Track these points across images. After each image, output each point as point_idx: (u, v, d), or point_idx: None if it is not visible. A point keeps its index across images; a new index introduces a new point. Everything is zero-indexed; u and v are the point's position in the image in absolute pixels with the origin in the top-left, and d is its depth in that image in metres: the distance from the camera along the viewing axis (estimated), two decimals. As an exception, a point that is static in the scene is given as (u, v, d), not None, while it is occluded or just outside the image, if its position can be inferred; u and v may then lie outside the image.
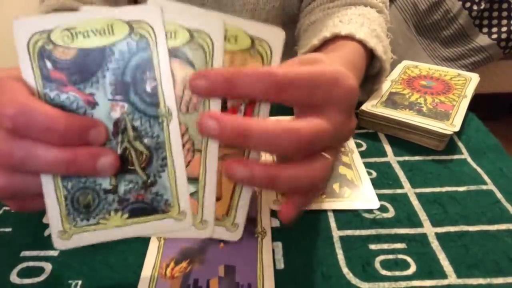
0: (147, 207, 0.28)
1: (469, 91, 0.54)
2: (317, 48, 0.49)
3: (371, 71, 0.52)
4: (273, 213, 0.39)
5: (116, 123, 0.26)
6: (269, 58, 0.26)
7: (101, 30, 0.25)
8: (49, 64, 0.25)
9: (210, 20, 0.25)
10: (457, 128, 0.46)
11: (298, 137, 0.25)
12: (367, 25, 0.50)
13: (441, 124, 0.47)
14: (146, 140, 0.27)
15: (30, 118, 0.24)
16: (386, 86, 0.55)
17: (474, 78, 0.57)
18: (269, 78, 0.24)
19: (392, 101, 0.52)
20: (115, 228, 0.28)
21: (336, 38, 0.48)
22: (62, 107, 0.26)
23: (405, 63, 0.62)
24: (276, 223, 0.38)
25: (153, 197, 0.28)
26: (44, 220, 0.38)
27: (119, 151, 0.27)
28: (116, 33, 0.25)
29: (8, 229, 0.38)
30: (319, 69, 0.27)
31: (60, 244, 0.28)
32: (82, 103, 0.26)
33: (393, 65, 0.61)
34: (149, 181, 0.27)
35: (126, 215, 0.28)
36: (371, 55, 0.49)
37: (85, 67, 0.26)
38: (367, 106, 0.50)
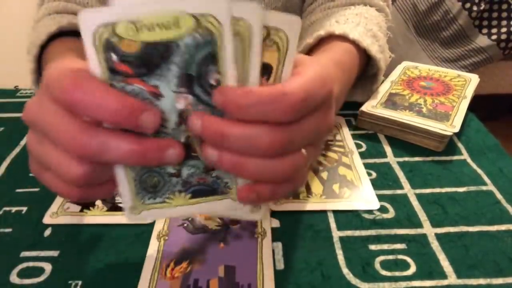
0: (208, 189, 0.30)
1: (469, 92, 0.54)
2: (312, 47, 0.50)
3: (370, 71, 0.52)
4: (273, 214, 0.39)
5: (181, 113, 0.27)
6: (285, 47, 0.26)
7: (166, 24, 0.25)
8: (114, 57, 0.26)
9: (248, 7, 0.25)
10: (457, 129, 0.46)
11: (274, 137, 0.26)
12: (363, 24, 0.51)
13: (441, 125, 0.47)
14: None
15: (87, 92, 0.25)
16: (385, 87, 0.55)
17: (473, 79, 0.57)
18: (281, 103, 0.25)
19: (392, 102, 0.52)
20: (179, 207, 0.30)
21: (330, 38, 0.48)
22: None
23: (404, 64, 0.62)
24: (276, 223, 0.38)
25: (214, 180, 0.30)
26: (44, 221, 0.38)
27: (182, 139, 0.28)
28: (182, 27, 0.25)
29: (8, 230, 0.38)
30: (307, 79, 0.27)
31: (130, 218, 0.30)
32: (147, 94, 0.27)
33: (393, 66, 0.61)
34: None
35: (189, 196, 0.30)
36: (367, 55, 0.49)
37: (150, 60, 0.26)
38: (367, 107, 0.51)
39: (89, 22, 0.25)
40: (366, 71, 0.53)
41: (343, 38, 0.48)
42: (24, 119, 0.28)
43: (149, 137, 0.27)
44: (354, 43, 0.48)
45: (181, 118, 0.27)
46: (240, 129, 0.26)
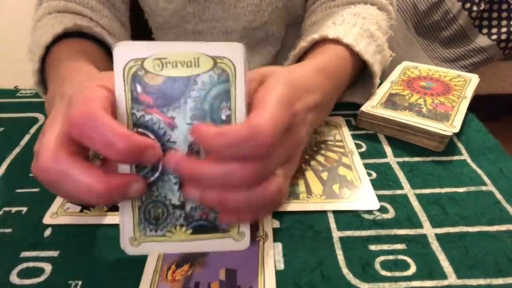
0: (209, 225, 0.32)
1: (469, 92, 0.54)
2: (308, 50, 0.51)
3: (369, 73, 0.52)
4: (273, 214, 0.39)
5: (191, 145, 0.30)
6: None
7: (188, 62, 0.29)
8: (139, 88, 0.29)
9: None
10: (457, 129, 0.46)
11: (248, 170, 0.27)
12: (360, 25, 0.51)
13: (441, 125, 0.47)
14: None
15: (96, 130, 0.26)
16: (385, 87, 0.55)
17: (473, 79, 0.57)
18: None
19: (391, 102, 0.52)
20: (178, 242, 0.32)
21: (325, 40, 0.49)
22: (146, 126, 0.29)
23: (404, 64, 0.62)
24: (276, 224, 0.38)
25: (216, 216, 0.32)
26: (44, 221, 0.38)
27: None
28: (201, 66, 0.29)
29: (8, 230, 0.38)
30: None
31: (130, 249, 0.32)
32: (163, 124, 0.29)
33: (393, 66, 0.61)
34: None
35: (190, 231, 0.32)
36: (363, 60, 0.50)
37: (170, 93, 0.29)
38: (366, 107, 0.51)
39: (124, 55, 0.28)
40: (365, 73, 0.53)
41: (337, 41, 0.48)
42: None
43: (113, 174, 0.29)
44: (348, 46, 0.48)
45: (191, 149, 0.30)
46: (213, 168, 0.27)
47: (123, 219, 0.31)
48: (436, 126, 0.46)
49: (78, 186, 0.28)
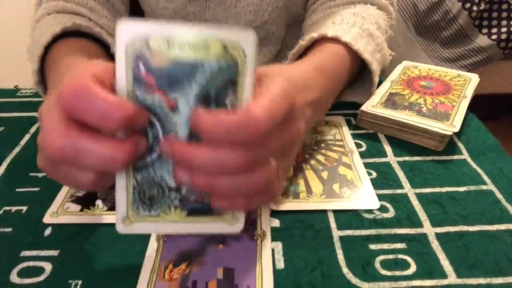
0: (204, 208, 0.31)
1: (469, 92, 0.54)
2: (307, 49, 0.51)
3: (368, 72, 0.52)
4: (273, 213, 0.39)
5: (191, 130, 0.28)
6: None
7: (196, 45, 0.27)
8: (142, 67, 0.27)
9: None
10: (457, 129, 0.46)
11: (242, 157, 0.27)
12: (359, 24, 0.51)
13: (441, 125, 0.47)
14: None
15: (88, 101, 0.25)
16: (385, 86, 0.55)
17: (473, 79, 0.57)
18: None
19: (391, 101, 0.52)
20: (172, 223, 0.31)
21: (324, 39, 0.49)
22: (146, 107, 0.28)
23: (405, 63, 0.62)
24: (275, 223, 0.38)
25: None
26: (45, 220, 0.38)
27: None
28: (210, 50, 0.27)
29: (8, 229, 0.38)
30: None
31: (122, 228, 0.31)
32: (165, 106, 0.28)
33: (393, 66, 0.61)
34: None
35: (184, 213, 0.31)
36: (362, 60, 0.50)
37: (175, 76, 0.27)
38: (367, 107, 0.51)
39: (126, 32, 0.27)
40: (364, 72, 0.53)
41: (336, 40, 0.48)
42: (38, 116, 0.30)
43: (122, 140, 0.27)
44: (346, 45, 0.48)
45: (192, 134, 0.28)
46: (207, 152, 0.27)
47: (118, 198, 0.30)
48: (436, 125, 0.46)
49: (98, 155, 0.26)
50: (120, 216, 0.30)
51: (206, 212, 0.31)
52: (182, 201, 0.30)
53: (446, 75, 0.58)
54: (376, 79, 0.52)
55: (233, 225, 0.32)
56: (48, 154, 0.28)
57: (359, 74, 0.54)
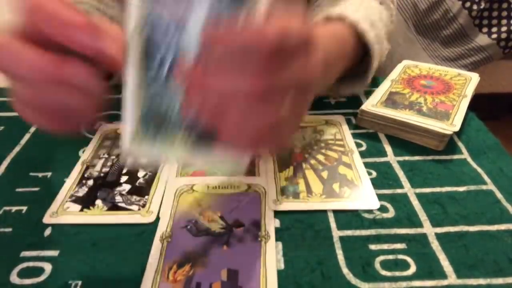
0: (209, 137, 0.29)
1: (469, 91, 0.54)
2: None
3: (366, 64, 0.52)
4: (274, 214, 0.39)
5: (201, 50, 0.26)
6: None
7: None
8: None
9: None
10: (457, 128, 0.46)
11: (254, 84, 0.25)
12: (363, 11, 0.50)
13: (441, 124, 0.47)
14: None
15: (47, 14, 0.25)
16: (386, 85, 0.55)
17: (474, 78, 0.57)
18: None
19: (392, 101, 0.52)
20: (177, 150, 0.29)
21: (329, 20, 0.48)
22: (153, 24, 0.26)
23: (405, 62, 0.62)
24: (276, 223, 0.38)
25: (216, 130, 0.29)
26: (44, 220, 0.38)
27: None
28: None
29: (8, 229, 0.38)
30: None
31: (128, 147, 0.29)
32: (174, 24, 0.26)
33: (393, 65, 0.61)
34: None
35: (190, 141, 0.29)
36: (363, 44, 0.49)
37: None
38: (367, 106, 0.50)
39: None
40: (363, 63, 0.53)
41: (341, 21, 0.47)
42: None
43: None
44: (351, 28, 0.47)
45: (201, 54, 0.26)
46: (217, 76, 0.25)
47: (126, 121, 0.29)
48: (436, 124, 0.46)
49: (21, 60, 0.25)
50: (127, 139, 0.29)
51: (211, 140, 0.29)
52: (188, 129, 0.29)
53: (447, 74, 0.58)
54: (376, 64, 0.51)
55: (236, 163, 0.30)
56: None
57: (357, 65, 0.54)
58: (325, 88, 0.50)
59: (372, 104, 0.51)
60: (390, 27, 0.57)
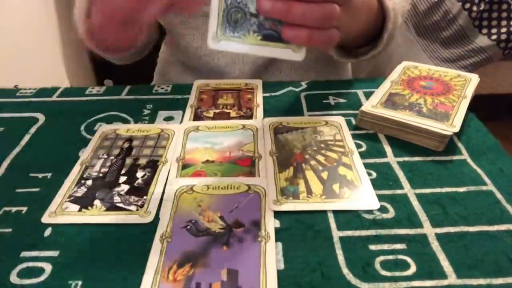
0: (276, 35, 0.37)
1: (469, 92, 0.54)
2: None
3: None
4: (274, 214, 0.39)
5: None
6: None
7: None
8: None
9: None
10: (457, 129, 0.46)
11: None
12: None
13: (441, 125, 0.47)
14: None
15: None
16: (386, 86, 0.55)
17: (474, 79, 0.57)
18: None
19: (392, 102, 0.52)
20: (249, 45, 0.38)
21: None
22: None
23: (405, 63, 0.62)
24: (276, 223, 0.38)
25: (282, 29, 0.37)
26: (43, 220, 0.38)
27: None
28: None
29: (8, 230, 0.38)
30: None
31: (211, 44, 0.38)
32: None
33: (393, 66, 0.61)
34: None
35: (259, 37, 0.37)
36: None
37: None
38: (366, 107, 0.50)
39: None
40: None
41: None
42: None
43: None
44: None
45: None
46: None
47: (210, 19, 0.37)
48: (436, 125, 0.46)
49: None
50: (211, 34, 0.38)
51: (277, 39, 0.37)
52: (259, 27, 0.37)
53: (446, 75, 0.58)
54: (389, 27, 0.55)
55: (297, 53, 0.37)
56: None
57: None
58: (352, 34, 0.52)
59: (372, 105, 0.51)
60: (406, 7, 0.60)
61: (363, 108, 0.51)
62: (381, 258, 0.35)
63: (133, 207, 0.40)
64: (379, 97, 0.53)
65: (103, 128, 0.52)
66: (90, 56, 1.94)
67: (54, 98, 0.59)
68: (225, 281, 0.32)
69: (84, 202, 0.40)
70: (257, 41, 0.37)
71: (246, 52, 0.38)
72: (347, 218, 0.39)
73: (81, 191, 0.42)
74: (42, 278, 0.33)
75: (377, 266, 0.34)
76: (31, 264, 0.35)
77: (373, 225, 0.38)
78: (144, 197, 0.41)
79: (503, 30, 1.28)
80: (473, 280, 0.33)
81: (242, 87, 0.61)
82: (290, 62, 0.68)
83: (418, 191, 0.42)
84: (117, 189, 0.42)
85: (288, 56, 0.38)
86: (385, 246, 0.36)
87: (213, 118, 0.54)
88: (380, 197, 0.41)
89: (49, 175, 0.45)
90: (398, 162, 0.46)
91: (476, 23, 1.29)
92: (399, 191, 0.42)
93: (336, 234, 0.37)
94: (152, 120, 0.54)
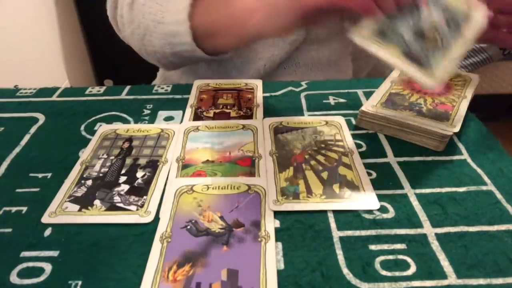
0: (421, 61, 0.42)
1: (469, 92, 0.54)
2: None
3: None
4: (274, 214, 0.39)
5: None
6: None
7: None
8: None
9: None
10: (457, 129, 0.46)
11: None
12: None
13: (441, 125, 0.47)
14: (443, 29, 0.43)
15: None
16: (386, 86, 0.55)
17: (474, 79, 0.57)
18: None
19: (392, 101, 0.52)
20: (389, 54, 0.42)
21: None
22: None
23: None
24: (276, 223, 0.38)
25: (429, 54, 0.42)
26: (43, 220, 0.38)
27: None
28: None
29: (8, 230, 0.38)
30: None
31: (358, 41, 0.43)
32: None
33: (393, 66, 0.61)
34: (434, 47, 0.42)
35: (400, 53, 0.42)
36: None
37: None
38: (366, 107, 0.50)
39: None
40: None
41: None
42: None
43: None
44: None
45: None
46: None
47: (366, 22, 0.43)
48: (436, 125, 0.46)
49: None
50: (358, 33, 0.43)
51: (420, 63, 0.42)
52: (403, 44, 0.42)
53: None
54: None
55: (431, 81, 0.41)
56: None
57: None
58: None
59: (372, 105, 0.51)
60: None
61: (363, 108, 0.51)
62: (381, 258, 0.35)
63: (133, 207, 0.40)
64: (379, 97, 0.53)
65: (103, 128, 0.52)
66: (90, 56, 1.94)
67: (54, 98, 0.60)
68: (225, 281, 0.32)
69: (84, 202, 0.40)
70: (397, 55, 0.42)
71: (384, 58, 0.42)
72: (347, 218, 0.39)
73: (81, 191, 0.42)
74: (42, 278, 0.33)
75: (377, 266, 0.34)
76: (31, 264, 0.35)
77: (373, 225, 0.38)
78: (144, 197, 0.41)
79: (503, 30, 1.28)
80: (473, 280, 0.33)
81: (242, 87, 0.61)
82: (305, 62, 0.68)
83: (418, 191, 0.42)
84: (117, 189, 0.42)
85: (424, 81, 0.41)
86: (385, 246, 0.36)
87: (213, 118, 0.54)
88: (380, 197, 0.41)
89: (49, 175, 0.45)
90: (398, 162, 0.46)
91: (476, 23, 1.29)
92: (399, 191, 0.42)
93: (336, 234, 0.37)
94: (152, 120, 0.54)
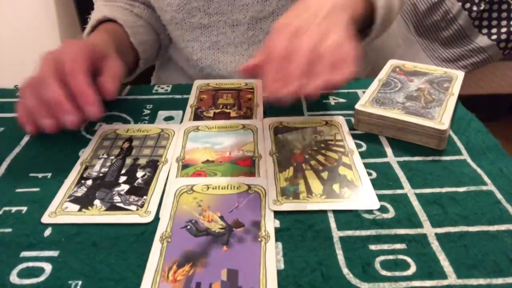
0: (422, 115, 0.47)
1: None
2: None
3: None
4: (274, 214, 0.39)
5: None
6: None
7: None
8: None
9: None
10: (445, 126, 0.46)
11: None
12: None
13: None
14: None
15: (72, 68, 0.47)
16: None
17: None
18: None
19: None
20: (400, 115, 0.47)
21: None
22: None
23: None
24: (276, 223, 0.38)
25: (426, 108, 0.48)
26: (43, 220, 0.38)
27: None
28: None
29: (8, 230, 0.38)
30: None
31: None
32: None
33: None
34: None
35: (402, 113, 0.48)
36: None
37: None
38: (357, 106, 0.50)
39: None
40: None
41: None
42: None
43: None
44: None
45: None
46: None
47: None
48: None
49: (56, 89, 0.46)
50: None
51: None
52: (400, 106, 0.49)
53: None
54: (378, 20, 0.56)
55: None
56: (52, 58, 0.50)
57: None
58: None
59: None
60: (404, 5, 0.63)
61: (356, 106, 0.50)
62: (381, 258, 0.35)
63: (133, 207, 0.40)
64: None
65: (103, 128, 0.52)
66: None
67: (54, 98, 0.59)
68: (225, 281, 0.32)
69: (84, 202, 0.40)
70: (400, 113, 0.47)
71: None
72: (347, 218, 0.39)
73: (81, 191, 0.42)
74: (42, 278, 0.33)
75: (377, 266, 0.34)
76: (31, 264, 0.35)
77: (373, 225, 0.38)
78: (144, 197, 0.41)
79: (503, 30, 1.28)
80: (473, 280, 0.33)
81: (242, 87, 0.61)
82: None
83: (418, 191, 0.42)
84: (117, 189, 0.42)
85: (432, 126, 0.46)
86: (385, 246, 0.36)
87: (213, 118, 0.54)
88: (380, 197, 0.41)
89: (49, 175, 0.45)
90: (398, 162, 0.46)
91: (476, 23, 1.29)
92: (399, 191, 0.42)
93: (336, 234, 0.37)
94: (152, 120, 0.54)
